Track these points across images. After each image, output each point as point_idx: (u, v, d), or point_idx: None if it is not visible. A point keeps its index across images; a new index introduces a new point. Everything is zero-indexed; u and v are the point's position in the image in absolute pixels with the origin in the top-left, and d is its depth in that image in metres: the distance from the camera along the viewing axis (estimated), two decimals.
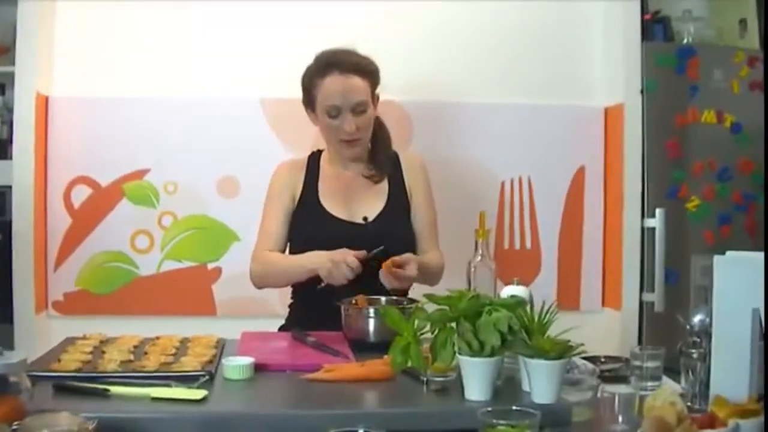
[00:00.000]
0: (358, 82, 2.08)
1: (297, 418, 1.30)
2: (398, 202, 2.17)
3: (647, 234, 2.96)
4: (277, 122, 2.93)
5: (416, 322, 1.42)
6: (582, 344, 1.40)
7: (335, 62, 2.08)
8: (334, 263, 1.87)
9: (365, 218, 2.12)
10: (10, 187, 2.69)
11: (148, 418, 1.31)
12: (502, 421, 1.19)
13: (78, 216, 2.84)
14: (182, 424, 1.30)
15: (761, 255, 1.48)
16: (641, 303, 2.98)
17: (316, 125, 2.19)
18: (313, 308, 2.01)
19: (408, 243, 2.11)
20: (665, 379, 1.76)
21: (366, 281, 1.91)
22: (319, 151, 2.26)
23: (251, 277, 2.15)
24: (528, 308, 1.48)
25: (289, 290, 2.24)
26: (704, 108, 2.97)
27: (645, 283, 2.97)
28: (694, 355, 1.61)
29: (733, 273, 1.50)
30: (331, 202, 2.13)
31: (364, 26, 2.94)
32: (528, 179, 3.10)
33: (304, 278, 2.00)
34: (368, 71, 2.12)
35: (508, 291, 1.51)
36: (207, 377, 1.46)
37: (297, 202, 2.16)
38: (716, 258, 1.52)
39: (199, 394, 1.36)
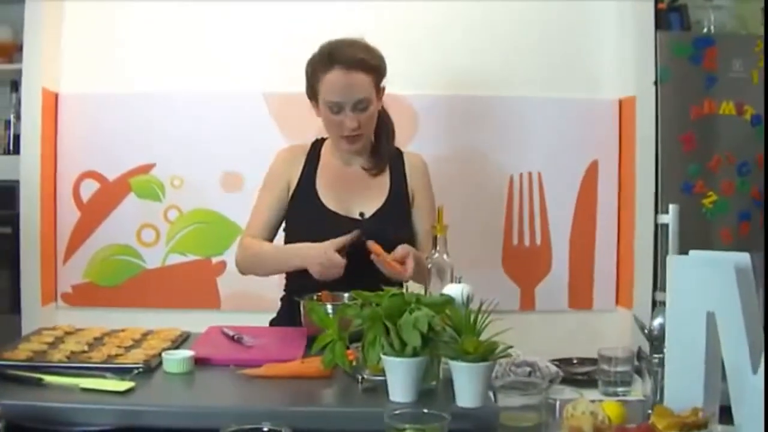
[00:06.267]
0: (361, 79, 2.02)
1: (203, 413, 1.30)
2: (398, 201, 2.13)
3: (661, 231, 2.85)
4: (280, 117, 2.94)
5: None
6: (510, 346, 1.34)
7: (338, 57, 2.03)
8: (324, 267, 1.87)
9: (362, 214, 2.09)
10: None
11: (74, 408, 1.32)
12: (406, 425, 1.16)
13: (86, 210, 2.91)
14: (103, 414, 1.31)
15: (718, 254, 1.40)
16: (654, 302, 2.87)
17: (319, 117, 2.14)
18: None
19: (403, 243, 2.06)
20: (638, 384, 1.69)
21: (356, 274, 1.86)
22: (323, 139, 2.22)
23: (237, 263, 2.14)
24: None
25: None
26: (722, 99, 2.85)
27: (659, 281, 2.86)
28: (655, 360, 1.53)
29: (688, 274, 1.41)
30: (328, 195, 2.10)
31: (370, 19, 2.91)
32: (538, 174, 3.02)
33: (292, 269, 2.02)
34: (372, 66, 2.06)
35: (447, 289, 1.46)
36: (141, 370, 1.47)
37: (293, 191, 2.13)
38: (670, 258, 1.44)
39: (124, 386, 1.37)
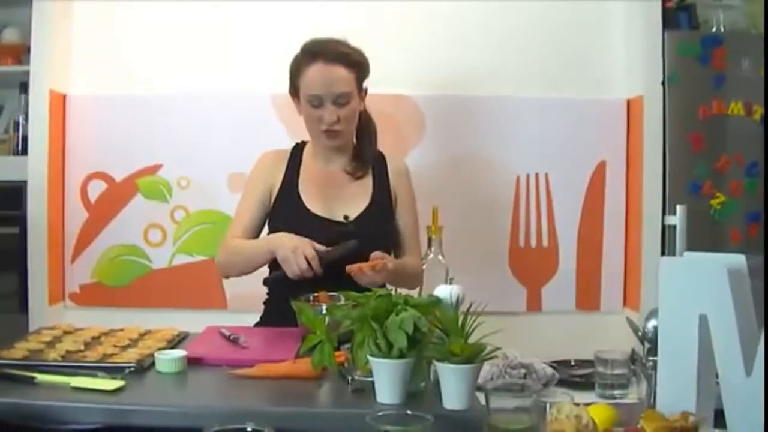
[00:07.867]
0: (342, 73, 2.03)
1: (191, 413, 1.30)
2: (382, 203, 2.12)
3: (669, 232, 2.82)
4: (287, 118, 2.92)
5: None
6: (498, 348, 1.33)
7: (320, 51, 2.04)
8: (293, 251, 1.84)
9: (346, 217, 2.07)
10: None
11: (64, 406, 1.34)
12: (389, 426, 1.15)
13: (94, 210, 2.94)
14: (92, 412, 1.33)
15: (711, 256, 1.38)
16: None
17: (301, 115, 2.15)
18: (288, 305, 1.99)
19: (388, 245, 2.05)
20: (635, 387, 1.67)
21: (333, 278, 1.86)
22: (304, 143, 2.22)
23: (218, 263, 2.14)
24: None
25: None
26: (731, 99, 2.82)
27: None
28: (649, 363, 1.52)
29: (680, 276, 1.39)
30: (311, 199, 2.09)
31: (378, 21, 2.93)
32: (545, 175, 3.00)
33: (266, 260, 1.99)
34: (354, 62, 2.06)
35: (437, 290, 1.45)
36: (132, 369, 1.48)
37: (276, 195, 2.12)
38: (662, 260, 1.42)
39: (114, 385, 1.38)
